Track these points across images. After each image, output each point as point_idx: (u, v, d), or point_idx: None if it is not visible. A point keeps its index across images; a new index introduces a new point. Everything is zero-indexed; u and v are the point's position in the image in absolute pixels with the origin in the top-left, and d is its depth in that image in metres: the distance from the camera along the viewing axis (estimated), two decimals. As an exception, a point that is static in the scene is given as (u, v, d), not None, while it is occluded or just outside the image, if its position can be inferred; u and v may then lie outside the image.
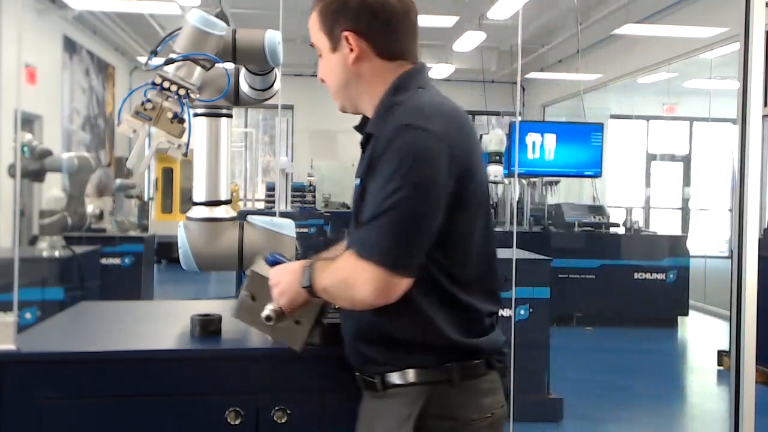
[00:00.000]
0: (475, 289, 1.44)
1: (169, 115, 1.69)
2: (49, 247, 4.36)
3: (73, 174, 4.95)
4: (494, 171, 4.99)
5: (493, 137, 4.64)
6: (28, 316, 3.81)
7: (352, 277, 1.35)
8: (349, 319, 1.52)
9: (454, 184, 1.34)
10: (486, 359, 1.45)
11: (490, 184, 5.28)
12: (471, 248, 1.42)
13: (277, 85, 2.14)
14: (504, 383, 1.52)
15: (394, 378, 1.44)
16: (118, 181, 6.20)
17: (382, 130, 1.37)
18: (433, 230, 1.34)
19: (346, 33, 1.45)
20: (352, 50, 1.46)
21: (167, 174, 10.75)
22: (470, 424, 1.42)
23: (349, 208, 4.67)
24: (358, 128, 1.56)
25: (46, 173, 4.84)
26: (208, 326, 1.83)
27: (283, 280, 1.49)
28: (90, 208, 5.46)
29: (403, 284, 1.33)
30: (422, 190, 1.31)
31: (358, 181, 1.43)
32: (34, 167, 4.71)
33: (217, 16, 1.83)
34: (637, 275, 6.96)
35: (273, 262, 1.66)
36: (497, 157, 4.85)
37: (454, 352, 1.42)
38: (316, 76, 1.63)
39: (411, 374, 1.42)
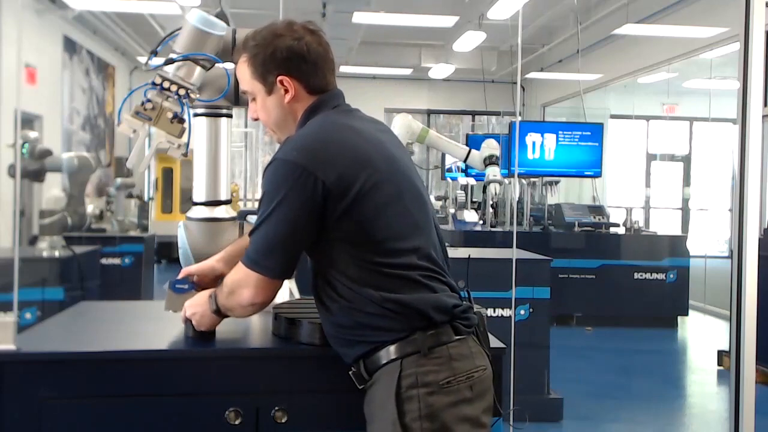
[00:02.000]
0: (403, 255, 1.57)
1: (169, 115, 1.69)
2: (49, 247, 4.36)
3: (73, 174, 4.95)
4: (492, 172, 5.00)
5: (486, 146, 4.69)
6: (28, 316, 3.81)
7: (235, 286, 1.61)
8: (324, 323, 1.66)
9: (328, 193, 1.52)
10: (451, 325, 1.56)
11: (491, 184, 5.29)
12: (387, 223, 1.57)
13: (277, 85, 2.14)
14: (486, 353, 1.64)
15: (372, 363, 1.56)
16: (118, 180, 6.19)
17: None
18: (297, 238, 1.56)
19: (280, 77, 1.64)
20: (287, 91, 1.65)
21: (167, 174, 10.75)
22: (446, 387, 1.51)
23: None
24: None
25: (46, 173, 4.84)
26: None
27: (198, 311, 1.71)
28: (90, 208, 5.46)
29: (276, 284, 1.59)
30: (282, 208, 1.53)
31: None
32: (34, 167, 4.71)
33: (217, 16, 1.83)
34: (637, 275, 6.96)
35: (178, 291, 1.80)
36: (494, 159, 4.88)
37: (406, 317, 1.53)
38: (250, 101, 1.74)
39: (382, 355, 1.54)
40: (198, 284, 1.85)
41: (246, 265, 1.58)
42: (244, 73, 1.68)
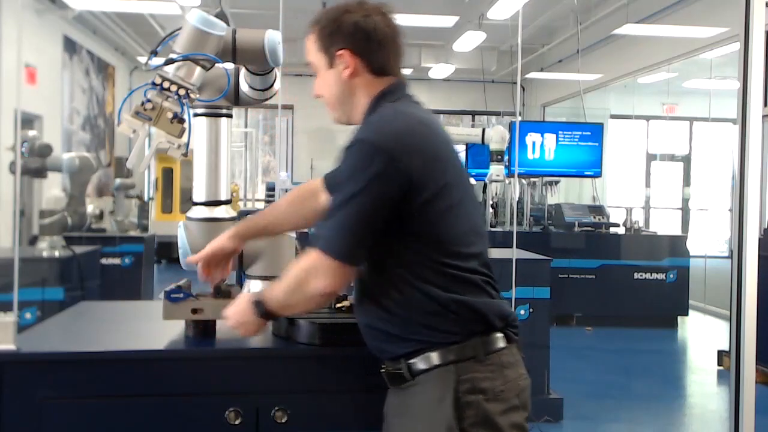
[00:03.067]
0: (468, 259, 1.54)
1: (169, 115, 1.69)
2: (49, 247, 4.36)
3: (74, 174, 4.95)
4: (496, 171, 4.99)
5: (494, 134, 4.62)
6: (28, 316, 3.81)
7: (309, 269, 1.51)
8: (368, 312, 1.58)
9: (410, 184, 1.48)
10: (503, 333, 1.54)
11: (493, 183, 5.30)
12: (455, 225, 1.53)
13: (277, 85, 2.14)
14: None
15: (420, 364, 1.50)
16: (118, 180, 6.19)
17: None
18: (375, 227, 1.49)
19: (341, 51, 1.62)
20: (346, 67, 1.62)
21: (167, 174, 10.75)
22: (500, 395, 1.50)
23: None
24: None
25: (48, 170, 4.84)
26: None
27: (242, 321, 1.61)
28: (90, 208, 5.46)
29: (349, 271, 1.51)
30: (362, 195, 1.47)
31: None
32: (35, 165, 4.71)
33: (217, 16, 1.83)
34: (637, 275, 6.96)
35: (174, 300, 1.78)
36: (498, 156, 4.84)
37: (466, 321, 1.50)
38: (316, 75, 1.70)
39: (435, 357, 1.50)
40: (205, 270, 1.83)
41: (322, 251, 1.49)
42: (310, 43, 1.68)
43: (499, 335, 1.54)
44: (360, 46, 1.61)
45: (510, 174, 6.43)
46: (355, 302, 1.64)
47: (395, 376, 1.54)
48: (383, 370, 1.57)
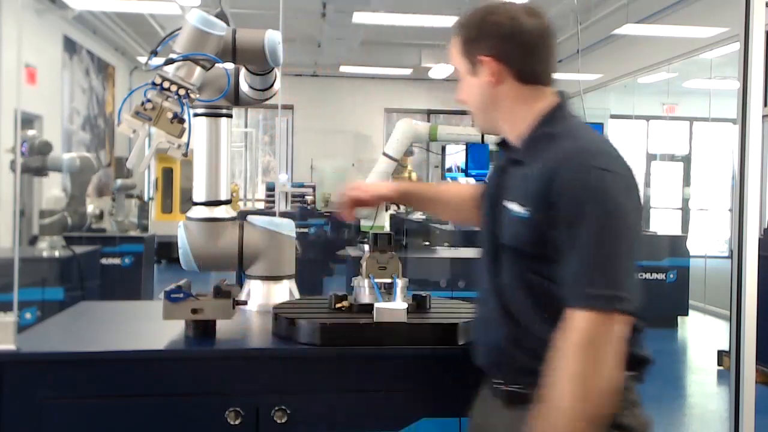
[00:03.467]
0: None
1: (169, 115, 1.69)
2: (49, 247, 4.36)
3: (74, 174, 4.95)
4: None
5: (491, 136, 4.64)
6: (28, 316, 3.81)
7: (596, 342, 1.30)
8: (506, 329, 1.47)
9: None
10: (635, 371, 1.44)
11: None
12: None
13: (277, 85, 2.14)
14: None
15: None
16: (119, 181, 6.19)
17: (547, 162, 1.39)
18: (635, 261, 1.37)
19: (485, 58, 1.48)
20: (491, 75, 1.49)
21: (167, 174, 10.73)
22: None
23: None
24: (501, 146, 1.60)
25: (48, 169, 4.85)
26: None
27: None
28: (90, 208, 5.46)
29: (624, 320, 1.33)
30: (622, 227, 1.35)
31: (518, 207, 1.42)
32: (36, 164, 4.71)
33: (217, 16, 1.83)
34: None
35: (174, 300, 1.77)
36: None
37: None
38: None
39: None
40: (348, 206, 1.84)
41: (599, 309, 1.28)
42: (453, 48, 1.56)
43: (634, 373, 1.42)
44: (506, 53, 1.48)
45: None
46: (490, 315, 1.50)
47: (516, 395, 1.44)
48: (499, 387, 1.48)
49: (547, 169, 1.38)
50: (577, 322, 1.30)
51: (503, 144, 1.59)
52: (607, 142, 1.45)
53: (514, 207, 1.43)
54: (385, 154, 4.45)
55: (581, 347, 1.29)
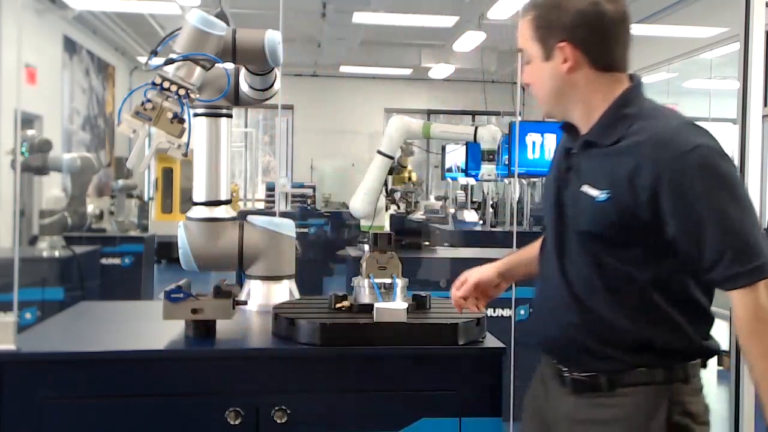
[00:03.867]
0: (709, 295, 1.49)
1: (169, 115, 1.69)
2: (49, 247, 4.36)
3: (75, 175, 4.95)
4: (487, 170, 5.01)
5: (485, 134, 4.63)
6: (28, 316, 3.81)
7: (755, 317, 1.34)
8: (575, 316, 1.48)
9: None
10: (701, 357, 1.47)
11: (484, 182, 5.30)
12: None
13: (277, 85, 2.14)
14: None
15: (629, 377, 1.43)
16: (120, 181, 6.17)
17: (630, 144, 1.39)
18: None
19: (561, 44, 1.46)
20: (565, 60, 1.47)
21: (167, 174, 10.74)
22: (705, 421, 1.49)
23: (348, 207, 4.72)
24: (566, 131, 1.59)
25: (50, 169, 4.84)
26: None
27: None
28: (90, 207, 5.46)
29: None
30: (740, 196, 1.35)
31: (594, 191, 1.42)
32: (37, 163, 4.71)
33: (217, 16, 1.83)
34: (637, 275, 6.95)
35: (174, 300, 1.76)
36: (490, 156, 4.87)
37: (692, 353, 1.45)
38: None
39: (649, 373, 1.42)
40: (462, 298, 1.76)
41: (750, 284, 1.31)
42: (524, 29, 1.51)
43: (699, 360, 1.47)
44: (583, 39, 1.44)
45: (510, 174, 6.42)
46: (556, 303, 1.52)
47: (588, 384, 1.46)
48: (568, 375, 1.50)
49: (633, 150, 1.37)
50: (738, 302, 1.34)
51: (568, 129, 1.57)
52: (685, 117, 1.44)
53: (590, 191, 1.43)
54: (379, 152, 4.45)
55: (754, 325, 1.33)
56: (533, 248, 1.74)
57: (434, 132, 4.55)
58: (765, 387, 1.34)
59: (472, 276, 1.77)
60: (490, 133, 4.75)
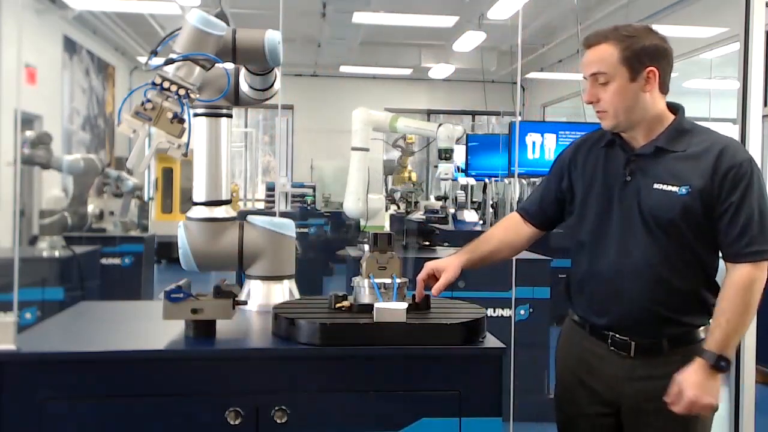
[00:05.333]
0: None
1: (169, 115, 1.69)
2: (49, 247, 4.36)
3: (78, 176, 4.96)
4: (444, 169, 5.04)
5: (441, 132, 4.66)
6: (28, 316, 3.81)
7: (760, 285, 1.77)
8: (654, 290, 1.83)
9: None
10: None
11: (442, 181, 5.34)
12: None
13: (277, 85, 2.14)
14: None
15: (685, 338, 1.85)
16: (130, 182, 6.14)
17: (698, 151, 1.85)
18: None
19: (651, 69, 1.84)
20: (647, 82, 1.84)
21: (167, 174, 10.74)
22: None
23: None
24: (617, 141, 1.93)
25: (53, 165, 4.84)
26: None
27: (702, 395, 1.75)
28: (90, 207, 5.46)
29: None
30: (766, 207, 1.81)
31: (677, 188, 1.81)
32: (40, 156, 4.70)
33: (217, 16, 1.83)
34: (637, 275, 6.93)
35: (174, 300, 1.76)
36: (446, 155, 4.89)
37: (710, 314, 1.82)
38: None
39: (697, 333, 1.85)
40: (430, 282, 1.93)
41: (759, 259, 1.75)
42: (609, 54, 1.82)
43: None
44: (662, 67, 1.86)
45: (510, 174, 6.42)
46: (626, 284, 1.86)
47: (656, 347, 1.85)
48: (631, 342, 1.86)
49: (711, 159, 1.80)
50: (744, 273, 1.76)
51: (620, 140, 1.92)
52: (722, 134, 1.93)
53: (667, 187, 1.81)
54: (353, 148, 4.48)
55: (748, 291, 1.77)
56: (491, 238, 2.10)
57: (399, 126, 4.61)
58: (730, 330, 1.75)
59: (436, 265, 1.97)
60: (446, 132, 4.77)
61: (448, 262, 1.96)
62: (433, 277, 1.94)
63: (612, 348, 1.89)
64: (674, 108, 1.93)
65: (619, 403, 1.90)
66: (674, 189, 1.80)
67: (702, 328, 1.85)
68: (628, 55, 1.81)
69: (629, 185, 1.86)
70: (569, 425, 2.02)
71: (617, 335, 1.88)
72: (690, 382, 1.74)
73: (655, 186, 1.82)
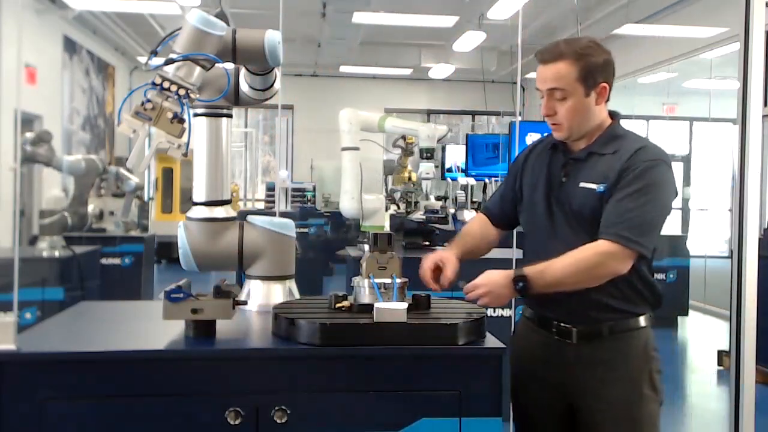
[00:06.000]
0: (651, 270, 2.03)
1: (169, 115, 1.69)
2: (49, 247, 4.36)
3: (79, 177, 4.96)
4: (425, 168, 5.05)
5: (422, 132, 4.69)
6: (28, 316, 3.81)
7: (604, 261, 1.85)
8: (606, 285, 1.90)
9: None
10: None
11: (423, 181, 5.36)
12: None
13: (277, 85, 2.14)
14: None
15: (623, 325, 1.96)
16: (132, 182, 6.13)
17: (624, 152, 1.92)
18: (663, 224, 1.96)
19: (603, 84, 1.94)
20: (599, 96, 1.95)
21: (167, 174, 10.74)
22: (658, 357, 2.01)
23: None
24: (561, 147, 2.04)
25: (53, 164, 4.84)
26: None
27: (494, 292, 1.90)
28: (90, 207, 5.46)
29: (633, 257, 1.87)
30: (664, 205, 1.94)
31: (597, 186, 1.91)
32: (42, 158, 4.70)
33: (217, 16, 1.83)
34: (637, 275, 6.94)
35: (174, 300, 1.76)
36: (428, 154, 4.91)
37: (653, 304, 1.99)
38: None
39: (641, 320, 1.97)
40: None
41: (621, 243, 1.83)
42: (567, 71, 1.91)
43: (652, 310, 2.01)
44: (610, 81, 1.96)
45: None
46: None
47: (593, 333, 1.95)
48: (577, 329, 1.96)
49: (625, 157, 1.89)
50: (611, 246, 1.84)
51: (563, 145, 2.02)
52: (649, 140, 2.02)
53: (588, 185, 1.92)
54: (343, 149, 4.50)
55: (598, 256, 1.86)
56: (470, 234, 2.22)
57: (387, 126, 4.64)
58: (549, 270, 1.86)
59: (440, 257, 2.05)
60: (427, 131, 4.80)
61: (447, 254, 2.05)
62: (437, 269, 2.02)
63: (557, 336, 1.99)
64: (613, 115, 2.03)
65: (570, 389, 1.98)
66: (594, 187, 1.92)
67: (642, 317, 1.97)
68: (584, 74, 1.91)
69: (564, 186, 1.98)
70: (525, 417, 2.10)
71: (561, 323, 1.99)
72: (488, 276, 1.89)
73: (581, 185, 1.95)
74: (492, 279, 1.89)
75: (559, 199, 1.99)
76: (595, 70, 1.92)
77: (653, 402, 1.98)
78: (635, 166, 1.88)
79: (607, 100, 1.99)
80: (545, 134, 2.12)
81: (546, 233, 2.01)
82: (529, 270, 1.87)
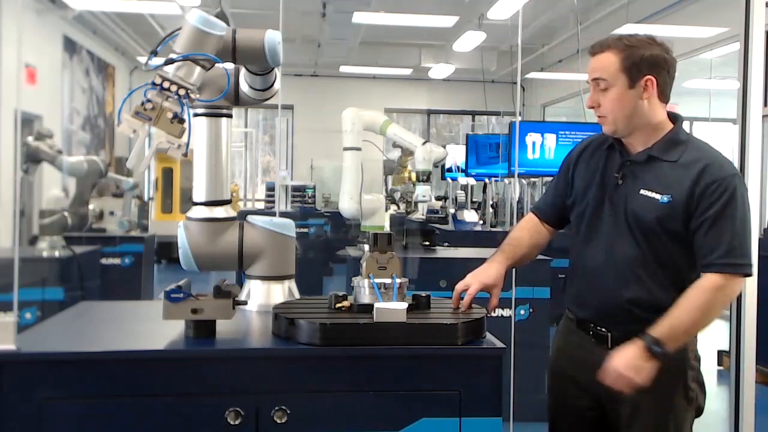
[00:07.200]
0: None
1: (169, 115, 1.69)
2: (49, 247, 4.35)
3: (81, 178, 4.96)
4: (422, 191, 5.07)
5: (419, 154, 4.69)
6: (28, 316, 3.81)
7: (723, 294, 1.84)
8: (628, 292, 1.92)
9: None
10: None
11: (420, 203, 5.37)
12: None
13: (277, 85, 2.14)
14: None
15: None
16: (131, 181, 6.13)
17: (687, 162, 1.89)
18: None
19: (648, 78, 1.91)
20: (645, 91, 1.91)
21: (167, 174, 10.75)
22: (697, 367, 2.01)
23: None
24: (616, 147, 2.01)
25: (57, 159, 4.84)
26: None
27: (637, 367, 1.81)
28: (90, 207, 5.46)
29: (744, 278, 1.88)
30: (749, 217, 1.89)
31: (660, 196, 1.89)
32: (45, 156, 4.70)
33: (217, 16, 1.83)
34: (637, 275, 6.93)
35: (174, 300, 1.76)
36: (424, 177, 4.92)
37: None
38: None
39: None
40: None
41: (731, 272, 1.82)
42: (610, 61, 1.91)
43: None
44: (661, 76, 1.93)
45: (510, 174, 6.42)
46: (607, 283, 1.96)
47: (623, 341, 1.86)
48: (608, 335, 1.96)
49: (694, 173, 1.86)
50: (722, 279, 1.82)
51: (620, 145, 1.99)
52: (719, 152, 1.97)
53: (650, 194, 1.90)
54: (345, 149, 4.50)
55: (717, 293, 1.83)
56: (521, 240, 2.17)
57: (389, 132, 4.65)
58: (676, 323, 1.82)
59: (479, 281, 2.00)
60: (423, 154, 4.80)
61: (494, 276, 2.02)
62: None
63: (593, 340, 2.00)
64: (675, 118, 1.99)
65: (601, 393, 1.95)
66: (657, 196, 1.89)
67: None
68: (627, 64, 1.89)
69: (620, 188, 1.96)
70: (558, 417, 2.11)
71: (598, 327, 1.99)
72: (621, 356, 1.81)
73: (641, 191, 1.92)
74: (622, 356, 1.82)
75: (612, 201, 1.97)
76: (640, 62, 1.89)
77: (684, 412, 1.97)
78: (713, 187, 1.84)
79: (666, 101, 1.97)
80: (600, 132, 2.07)
81: (597, 234, 2.00)
82: (657, 330, 1.81)
